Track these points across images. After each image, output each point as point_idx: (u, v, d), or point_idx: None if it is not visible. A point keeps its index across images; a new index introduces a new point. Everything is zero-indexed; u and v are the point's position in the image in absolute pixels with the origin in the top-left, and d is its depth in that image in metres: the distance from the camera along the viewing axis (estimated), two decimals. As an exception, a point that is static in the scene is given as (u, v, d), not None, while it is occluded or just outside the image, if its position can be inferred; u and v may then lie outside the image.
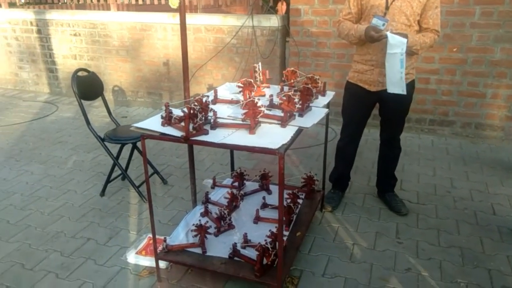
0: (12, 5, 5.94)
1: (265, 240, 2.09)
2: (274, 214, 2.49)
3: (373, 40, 2.38)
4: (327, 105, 2.41)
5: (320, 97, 2.47)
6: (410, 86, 2.63)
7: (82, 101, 3.05)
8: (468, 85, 4.03)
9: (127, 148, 3.27)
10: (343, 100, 2.79)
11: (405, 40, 2.29)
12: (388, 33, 2.31)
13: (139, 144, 3.10)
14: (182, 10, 2.15)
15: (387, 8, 2.42)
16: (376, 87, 2.59)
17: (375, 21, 2.41)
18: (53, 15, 5.42)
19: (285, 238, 2.24)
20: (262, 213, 2.51)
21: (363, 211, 2.89)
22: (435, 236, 2.60)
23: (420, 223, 2.74)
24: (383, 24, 2.38)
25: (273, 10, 4.71)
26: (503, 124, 4.05)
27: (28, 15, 5.57)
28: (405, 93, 2.40)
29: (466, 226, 2.70)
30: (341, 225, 2.74)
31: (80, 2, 5.40)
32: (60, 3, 5.60)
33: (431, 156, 3.77)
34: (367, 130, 4.14)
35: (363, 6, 2.52)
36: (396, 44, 2.30)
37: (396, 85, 2.40)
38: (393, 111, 2.69)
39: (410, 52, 2.47)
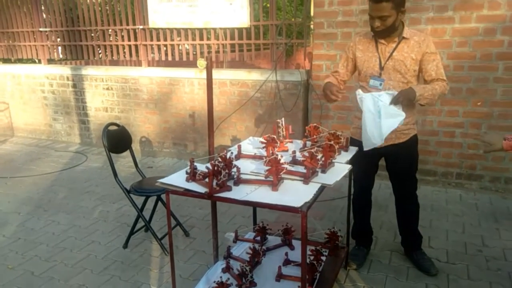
0: (50, 61, 6.36)
1: (288, 300, 2.03)
2: (297, 272, 2.43)
3: (329, 99, 2.45)
4: (350, 161, 2.41)
5: (343, 152, 2.48)
6: (413, 141, 2.62)
7: (111, 153, 3.17)
8: (495, 138, 3.95)
9: (152, 200, 3.32)
10: None
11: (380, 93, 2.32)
12: (365, 95, 2.33)
13: (163, 195, 3.15)
14: (209, 71, 2.27)
15: (381, 68, 2.49)
16: None
17: (372, 82, 2.49)
18: (89, 71, 5.77)
19: (308, 298, 2.17)
20: (285, 270, 2.45)
21: (389, 270, 2.78)
22: (467, 299, 2.47)
23: (451, 284, 2.61)
24: (380, 84, 2.43)
25: None
26: (535, 179, 3.92)
27: (66, 71, 5.94)
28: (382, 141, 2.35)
29: (501, 289, 2.55)
30: (366, 284, 2.64)
31: (114, 58, 5.73)
32: (95, 59, 5.98)
33: (459, 212, 3.65)
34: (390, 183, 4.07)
35: (359, 67, 2.60)
36: (371, 103, 2.32)
37: (372, 139, 2.36)
38: (398, 167, 2.67)
39: (428, 102, 2.42)
